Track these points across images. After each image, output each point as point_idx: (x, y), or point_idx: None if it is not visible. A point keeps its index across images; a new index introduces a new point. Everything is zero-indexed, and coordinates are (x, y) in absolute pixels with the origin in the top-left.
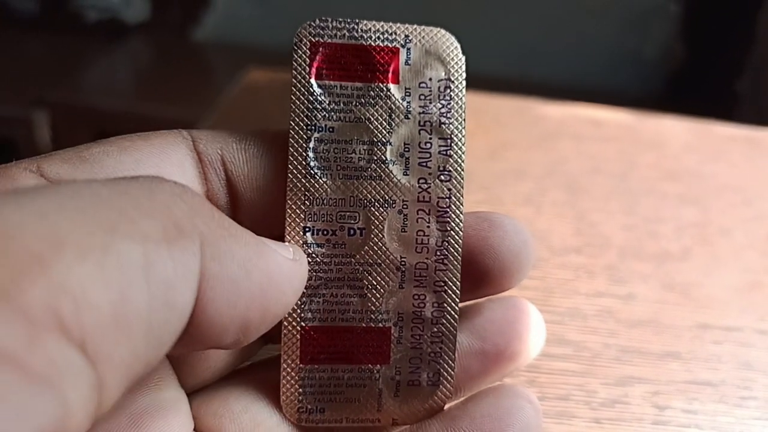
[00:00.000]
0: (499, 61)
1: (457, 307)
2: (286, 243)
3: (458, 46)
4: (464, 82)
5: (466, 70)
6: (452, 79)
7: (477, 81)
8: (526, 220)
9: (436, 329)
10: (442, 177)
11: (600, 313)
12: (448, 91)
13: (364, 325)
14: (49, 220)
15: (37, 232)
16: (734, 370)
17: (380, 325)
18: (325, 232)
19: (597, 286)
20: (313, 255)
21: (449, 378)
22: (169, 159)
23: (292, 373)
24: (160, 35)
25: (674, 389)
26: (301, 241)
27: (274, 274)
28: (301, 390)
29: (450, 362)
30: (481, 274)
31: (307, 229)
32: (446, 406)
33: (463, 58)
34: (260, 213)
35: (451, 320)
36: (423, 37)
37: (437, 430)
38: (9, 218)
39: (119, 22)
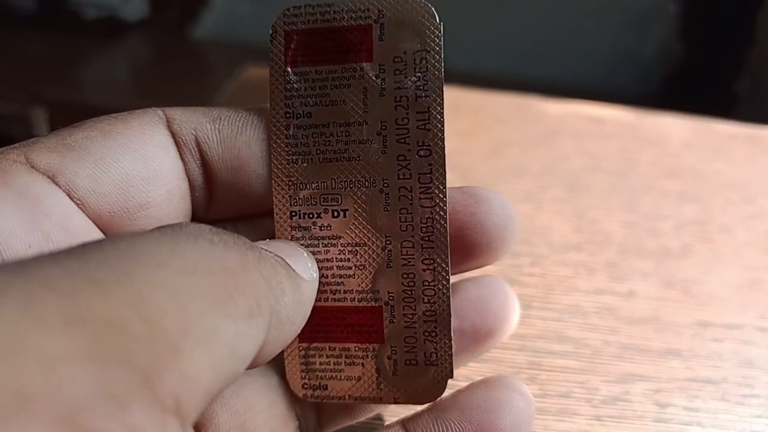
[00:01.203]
0: (499, 60)
1: (448, 285)
2: (278, 234)
3: (434, 13)
4: (441, 51)
5: (464, 63)
6: (428, 49)
7: (477, 79)
8: (526, 217)
9: (428, 308)
10: (422, 152)
11: (600, 310)
12: (424, 62)
13: (356, 304)
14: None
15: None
16: (735, 368)
17: (371, 304)
18: (311, 215)
19: (597, 283)
20: (302, 238)
21: (447, 356)
22: (152, 141)
23: (294, 353)
24: (158, 33)
25: (675, 387)
26: (289, 226)
27: (308, 311)
28: (304, 368)
29: (446, 341)
30: (468, 249)
31: (293, 213)
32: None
33: (441, 26)
34: (236, 193)
35: (444, 298)
36: (396, 9)
37: (426, 420)
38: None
39: (118, 19)
